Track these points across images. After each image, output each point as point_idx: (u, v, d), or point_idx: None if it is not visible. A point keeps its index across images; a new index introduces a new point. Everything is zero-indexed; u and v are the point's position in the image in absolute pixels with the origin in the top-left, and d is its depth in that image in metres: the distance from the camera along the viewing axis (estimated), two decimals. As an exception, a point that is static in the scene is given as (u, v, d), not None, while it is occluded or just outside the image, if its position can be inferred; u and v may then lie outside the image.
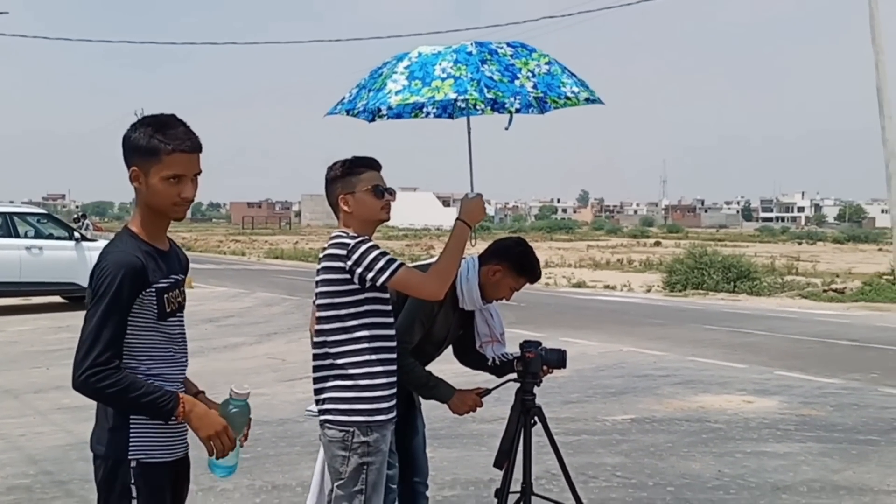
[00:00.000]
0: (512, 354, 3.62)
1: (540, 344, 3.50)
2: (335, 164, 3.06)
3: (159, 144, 2.32)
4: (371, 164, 3.04)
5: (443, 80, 3.02)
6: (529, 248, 3.57)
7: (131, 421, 2.31)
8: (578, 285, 22.63)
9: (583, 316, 15.13)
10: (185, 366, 2.50)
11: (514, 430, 3.48)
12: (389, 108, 3.52)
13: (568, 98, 3.41)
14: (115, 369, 2.22)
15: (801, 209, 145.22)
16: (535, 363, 3.45)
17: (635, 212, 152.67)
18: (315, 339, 3.03)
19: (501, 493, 3.53)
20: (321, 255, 2.98)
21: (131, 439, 2.31)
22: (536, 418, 3.52)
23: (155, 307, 2.35)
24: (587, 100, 3.39)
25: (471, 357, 3.78)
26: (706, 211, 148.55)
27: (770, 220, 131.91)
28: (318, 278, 2.99)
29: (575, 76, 3.30)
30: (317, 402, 3.03)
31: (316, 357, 3.02)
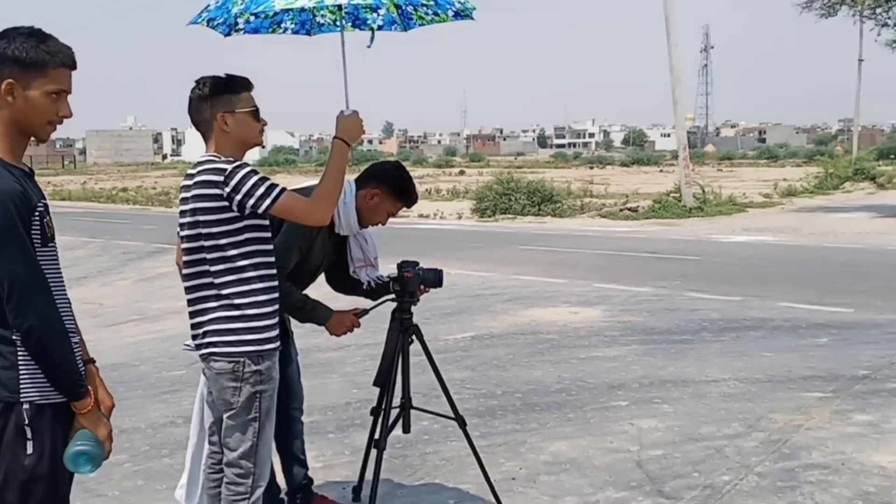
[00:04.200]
0: (387, 276, 3.64)
1: (417, 264, 3.55)
2: (204, 80, 2.87)
3: (46, 56, 2.15)
4: (248, 85, 2.89)
5: None
6: (407, 172, 3.57)
7: (20, 360, 2.15)
8: (393, 215, 22.87)
9: (406, 244, 15.22)
10: (68, 301, 2.33)
11: (393, 349, 3.54)
12: (268, 16, 3.35)
13: (437, 14, 3.39)
14: (62, 324, 2.17)
15: (591, 135, 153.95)
16: (413, 282, 3.50)
17: (439, 142, 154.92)
18: (186, 272, 2.89)
19: (379, 411, 3.60)
20: (190, 182, 2.80)
21: (22, 380, 2.15)
22: (414, 336, 3.59)
23: (38, 233, 2.18)
24: (457, 14, 3.37)
25: (343, 282, 3.76)
26: (505, 139, 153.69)
27: (563, 146, 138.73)
28: (187, 207, 2.80)
29: None
30: (195, 336, 2.91)
31: (191, 290, 2.87)
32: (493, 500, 3.66)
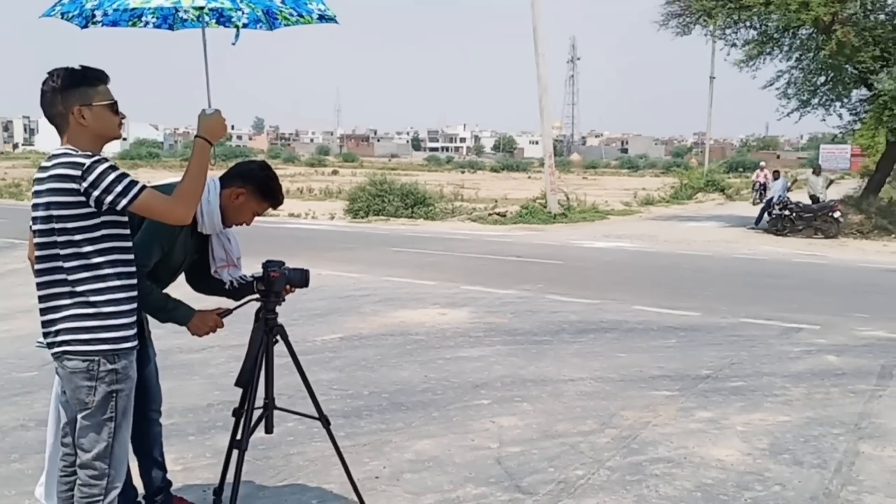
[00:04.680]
0: (251, 276, 3.60)
1: (283, 263, 3.53)
2: (58, 72, 2.77)
3: None
4: (105, 78, 2.82)
5: None
6: (274, 173, 3.54)
7: None
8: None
9: (275, 244, 15.06)
10: None
11: (257, 348, 3.51)
12: (126, 9, 3.25)
13: (301, 16, 3.41)
14: None
15: (462, 140, 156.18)
16: (280, 282, 3.47)
17: (311, 140, 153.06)
18: (38, 267, 2.79)
19: (241, 411, 3.56)
20: (44, 176, 2.71)
21: None
22: (279, 336, 3.58)
23: None
24: (321, 17, 3.41)
25: (204, 283, 3.67)
26: (379, 140, 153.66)
27: (436, 149, 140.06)
28: (41, 200, 2.71)
29: None
30: (46, 334, 2.81)
31: (43, 286, 2.78)
32: (356, 499, 3.69)
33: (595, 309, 9.06)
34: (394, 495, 3.98)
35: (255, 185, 3.44)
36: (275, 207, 3.64)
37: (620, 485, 4.16)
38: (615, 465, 4.42)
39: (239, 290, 3.64)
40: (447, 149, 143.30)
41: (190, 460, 4.39)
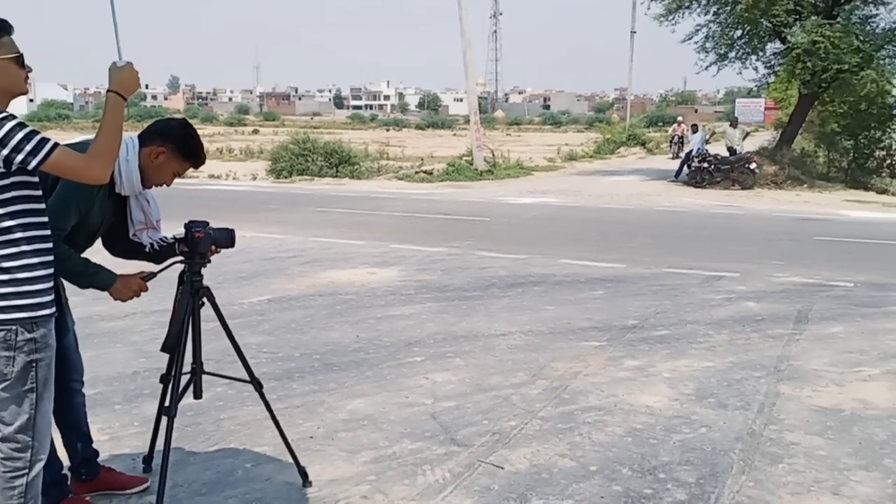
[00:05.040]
0: (173, 237, 3.48)
1: (207, 224, 3.42)
2: None
3: None
4: (8, 28, 2.64)
5: None
6: (195, 131, 3.40)
7: None
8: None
9: (196, 206, 14.68)
10: None
11: (183, 312, 3.40)
12: None
13: None
14: None
15: (387, 97, 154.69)
16: (205, 243, 3.36)
17: (230, 99, 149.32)
18: None
19: (169, 377, 3.47)
20: None
21: None
22: (205, 299, 3.48)
23: None
24: None
25: (122, 246, 3.53)
26: (300, 99, 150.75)
27: (360, 107, 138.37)
28: None
29: None
30: (-42, 303, 2.66)
31: None
32: (290, 460, 3.66)
33: (523, 264, 9.14)
34: (329, 454, 3.96)
35: (176, 144, 3.29)
36: (196, 167, 3.50)
37: (553, 433, 4.24)
38: (547, 415, 4.49)
39: (160, 253, 3.50)
40: (371, 107, 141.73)
41: (117, 429, 4.27)
